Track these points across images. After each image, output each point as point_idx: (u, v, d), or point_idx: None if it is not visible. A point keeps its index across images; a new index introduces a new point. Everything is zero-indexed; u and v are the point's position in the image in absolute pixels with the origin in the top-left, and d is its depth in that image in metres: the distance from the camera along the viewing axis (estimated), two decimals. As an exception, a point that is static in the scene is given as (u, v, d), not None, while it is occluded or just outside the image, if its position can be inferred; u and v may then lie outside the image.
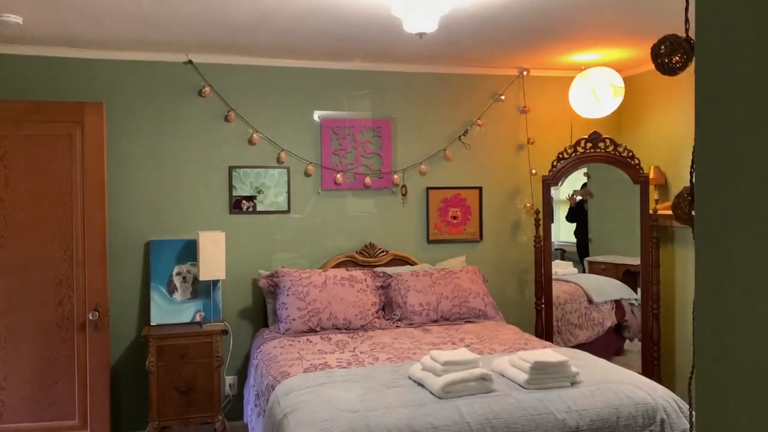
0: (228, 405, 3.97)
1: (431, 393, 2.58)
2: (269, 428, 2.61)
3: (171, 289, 3.90)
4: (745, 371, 0.85)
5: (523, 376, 2.68)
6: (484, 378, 2.62)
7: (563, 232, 5.11)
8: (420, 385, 2.69)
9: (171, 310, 3.87)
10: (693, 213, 0.98)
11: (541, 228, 4.27)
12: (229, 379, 4.01)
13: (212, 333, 3.72)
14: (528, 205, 4.55)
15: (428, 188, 4.41)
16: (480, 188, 4.50)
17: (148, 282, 3.89)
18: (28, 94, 3.66)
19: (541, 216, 4.28)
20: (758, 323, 0.82)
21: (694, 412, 1.10)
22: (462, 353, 2.76)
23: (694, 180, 0.99)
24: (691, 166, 1.02)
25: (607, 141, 4.21)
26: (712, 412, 0.92)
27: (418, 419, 2.37)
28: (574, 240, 4.97)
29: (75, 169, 3.48)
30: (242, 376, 4.00)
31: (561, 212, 5.04)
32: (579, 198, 4.90)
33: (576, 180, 4.86)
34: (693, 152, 0.99)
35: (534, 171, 4.51)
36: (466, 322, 3.96)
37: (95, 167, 3.50)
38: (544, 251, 4.29)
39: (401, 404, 2.48)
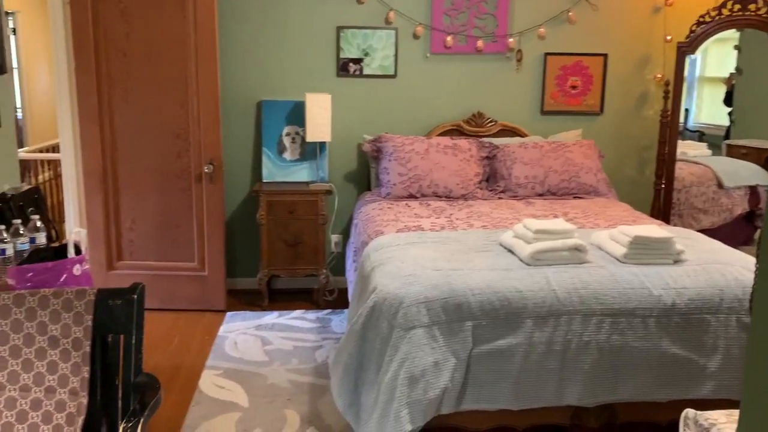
0: (332, 261, 4.17)
1: (520, 259, 2.53)
2: (360, 280, 2.71)
3: (281, 148, 4.04)
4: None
5: (621, 250, 2.54)
6: (578, 249, 2.52)
7: (705, 112, 4.63)
8: (510, 251, 2.64)
9: (281, 168, 4.03)
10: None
11: (669, 101, 3.88)
12: (335, 238, 4.19)
13: (317, 192, 3.86)
14: (658, 75, 4.12)
15: (546, 54, 4.09)
16: (605, 55, 4.11)
17: (260, 140, 4.04)
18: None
19: (671, 87, 3.87)
20: None
21: None
22: (557, 223, 2.65)
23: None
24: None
25: (760, 2, 3.62)
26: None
27: (502, 282, 2.34)
28: (727, 123, 4.47)
29: (188, 25, 3.56)
30: (346, 235, 4.15)
31: (705, 91, 4.53)
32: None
33: (722, 55, 4.29)
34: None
35: (669, 37, 4.02)
36: (574, 197, 3.78)
37: (206, 24, 3.56)
38: (671, 127, 3.92)
39: (487, 267, 2.45)
